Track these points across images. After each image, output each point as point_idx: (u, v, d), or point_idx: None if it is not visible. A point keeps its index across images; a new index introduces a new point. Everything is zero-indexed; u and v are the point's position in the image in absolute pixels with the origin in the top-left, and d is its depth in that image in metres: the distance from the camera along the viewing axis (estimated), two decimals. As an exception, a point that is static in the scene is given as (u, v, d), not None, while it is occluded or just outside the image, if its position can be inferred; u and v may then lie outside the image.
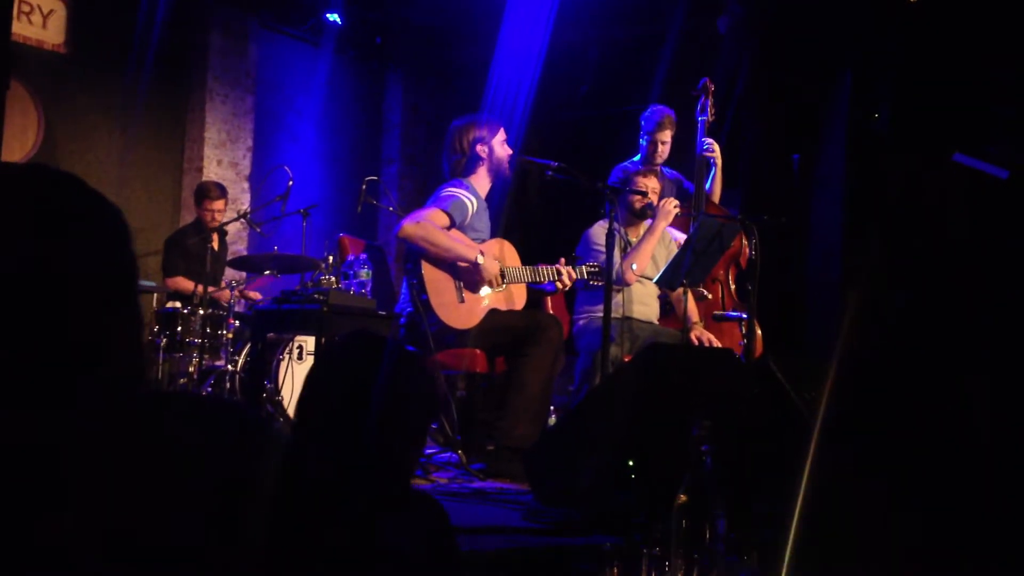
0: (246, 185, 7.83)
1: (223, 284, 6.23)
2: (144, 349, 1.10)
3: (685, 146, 5.81)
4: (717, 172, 5.66)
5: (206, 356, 5.66)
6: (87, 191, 1.05)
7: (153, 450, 0.98)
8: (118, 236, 1.06)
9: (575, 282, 4.81)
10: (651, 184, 5.13)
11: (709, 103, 5.66)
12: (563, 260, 4.77)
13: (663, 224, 5.04)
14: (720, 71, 6.67)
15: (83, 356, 0.99)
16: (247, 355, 5.70)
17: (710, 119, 5.66)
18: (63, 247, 0.99)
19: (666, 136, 5.53)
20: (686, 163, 5.80)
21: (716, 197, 5.67)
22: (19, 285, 0.96)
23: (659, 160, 5.55)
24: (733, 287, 5.59)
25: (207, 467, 0.99)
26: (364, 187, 5.15)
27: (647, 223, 5.13)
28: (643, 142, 5.60)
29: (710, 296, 5.34)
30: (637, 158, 5.64)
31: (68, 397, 0.97)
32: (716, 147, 5.63)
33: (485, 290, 4.65)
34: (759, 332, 5.02)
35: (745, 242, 5.34)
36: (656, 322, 5.19)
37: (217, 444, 1.01)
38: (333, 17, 8.00)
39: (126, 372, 1.03)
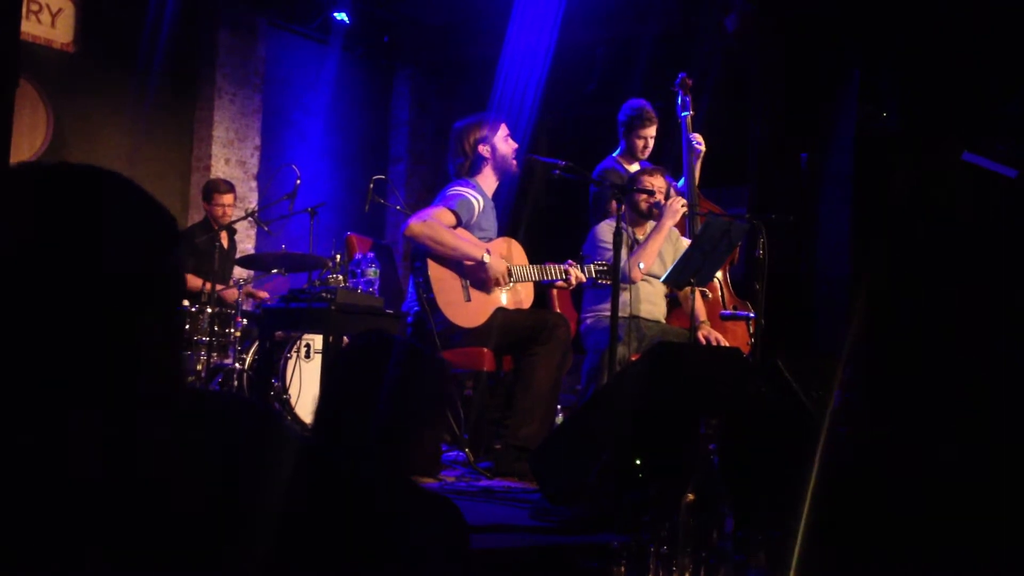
0: (254, 184, 7.84)
1: (231, 282, 6.24)
2: (180, 351, 1.11)
3: (667, 143, 5.82)
4: (697, 163, 5.65)
5: (214, 354, 5.67)
6: (133, 190, 1.06)
7: (165, 446, 0.98)
8: (161, 236, 1.06)
9: (583, 283, 4.82)
10: (658, 183, 5.12)
11: (689, 99, 5.66)
12: (571, 262, 4.77)
13: (670, 223, 5.03)
14: (727, 69, 6.67)
15: (121, 356, 1.00)
16: (255, 353, 5.72)
17: (692, 114, 5.66)
18: (106, 245, 1.00)
19: (652, 131, 5.52)
20: (666, 159, 5.79)
21: (695, 182, 5.68)
22: (55, 284, 0.97)
23: (644, 156, 5.55)
24: (730, 284, 5.59)
25: (220, 462, 0.99)
26: (372, 186, 5.15)
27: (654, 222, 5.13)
28: (625, 138, 5.58)
29: (711, 295, 5.34)
30: (616, 153, 5.62)
31: (99, 398, 0.97)
32: (701, 140, 5.64)
33: (496, 291, 4.65)
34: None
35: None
36: (664, 321, 5.19)
37: (231, 440, 1.02)
38: (341, 16, 8.01)
39: (163, 372, 1.04)
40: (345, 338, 4.66)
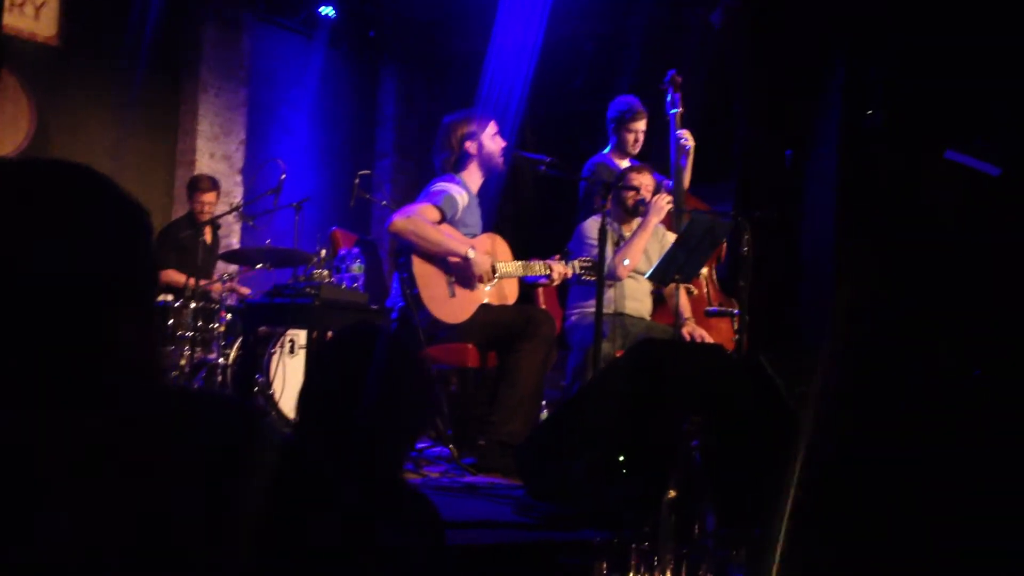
0: (239, 178, 7.81)
1: (215, 277, 6.22)
2: (158, 346, 1.10)
3: (656, 140, 5.81)
4: (688, 161, 5.63)
5: (197, 349, 5.65)
6: (106, 185, 1.05)
7: (150, 446, 0.97)
8: (137, 232, 1.05)
9: (568, 278, 4.82)
10: (644, 181, 5.13)
11: (679, 96, 5.65)
12: (557, 256, 4.77)
13: (655, 219, 5.04)
14: (713, 65, 6.67)
15: (98, 354, 0.99)
16: (239, 348, 5.70)
17: (681, 111, 5.64)
18: (80, 243, 0.99)
19: (642, 125, 5.52)
20: (655, 156, 5.79)
21: (686, 184, 5.65)
22: (34, 283, 0.96)
23: (635, 150, 5.55)
24: (715, 281, 5.60)
25: (203, 461, 0.99)
26: (357, 181, 5.13)
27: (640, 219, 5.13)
28: (616, 134, 5.58)
29: (695, 291, 5.34)
30: (607, 150, 5.62)
31: (81, 396, 0.97)
32: (690, 137, 5.61)
33: (481, 287, 4.65)
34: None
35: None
36: (649, 318, 5.20)
37: (213, 438, 1.01)
38: (327, 10, 7.99)
39: (140, 369, 1.03)
40: (329, 332, 4.65)
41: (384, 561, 1.48)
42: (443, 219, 4.55)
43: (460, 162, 4.78)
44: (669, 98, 5.66)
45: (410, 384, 1.81)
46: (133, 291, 1.03)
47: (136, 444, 0.97)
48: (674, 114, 5.65)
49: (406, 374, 1.80)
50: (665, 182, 5.62)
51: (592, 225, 4.97)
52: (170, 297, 5.75)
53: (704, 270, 5.45)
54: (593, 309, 4.33)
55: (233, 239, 7.51)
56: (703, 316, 5.25)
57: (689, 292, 5.23)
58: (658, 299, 5.33)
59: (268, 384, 5.68)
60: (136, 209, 1.06)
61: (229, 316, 5.81)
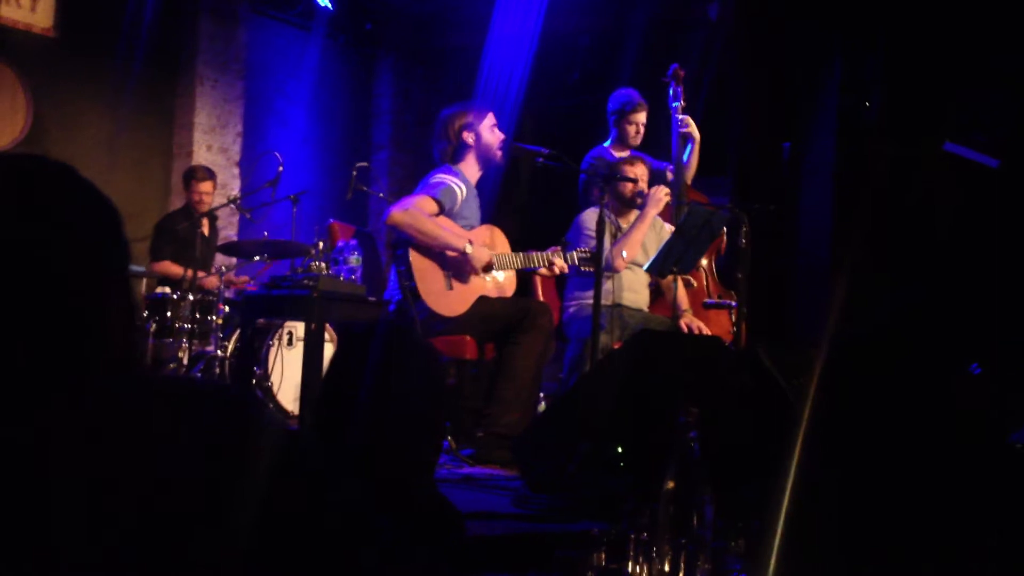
0: (236, 170, 7.80)
1: (212, 270, 6.22)
2: (137, 336, 1.10)
3: (658, 133, 5.79)
4: (695, 147, 5.61)
5: (195, 341, 5.65)
6: (79, 181, 1.05)
7: (145, 436, 0.98)
8: (110, 226, 1.06)
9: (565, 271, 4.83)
10: (639, 171, 5.13)
11: (680, 89, 5.63)
12: (555, 248, 4.77)
13: (653, 211, 5.04)
14: (708, 58, 6.67)
15: (77, 345, 0.99)
16: (237, 341, 5.70)
17: (683, 105, 5.63)
18: (55, 238, 0.99)
19: (642, 117, 5.51)
20: (658, 150, 5.77)
21: (692, 171, 5.64)
22: (11, 276, 0.96)
23: (636, 142, 5.55)
24: (715, 273, 5.60)
25: (201, 453, 0.99)
26: (354, 173, 5.13)
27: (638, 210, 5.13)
28: (616, 127, 5.58)
29: (695, 283, 5.35)
30: (608, 143, 5.62)
31: (63, 387, 0.97)
32: (692, 123, 5.58)
33: (478, 279, 4.65)
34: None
35: (724, 228, 5.32)
36: (646, 309, 5.20)
37: (212, 430, 1.01)
38: (324, 2, 7.97)
39: (120, 360, 1.03)
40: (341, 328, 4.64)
41: (388, 559, 1.47)
42: (441, 211, 4.55)
43: (458, 153, 4.77)
44: (671, 91, 5.64)
45: (418, 380, 1.79)
46: (112, 284, 1.03)
47: (134, 438, 0.97)
48: (676, 107, 5.63)
49: (411, 369, 1.78)
50: (668, 167, 5.62)
51: (590, 216, 4.97)
52: (168, 289, 5.75)
53: (704, 261, 5.45)
54: (591, 301, 4.33)
55: (231, 231, 7.51)
56: (701, 308, 5.26)
57: (688, 284, 5.23)
58: (656, 291, 5.34)
59: (266, 376, 5.68)
60: (104, 201, 1.06)
61: (227, 308, 5.81)
